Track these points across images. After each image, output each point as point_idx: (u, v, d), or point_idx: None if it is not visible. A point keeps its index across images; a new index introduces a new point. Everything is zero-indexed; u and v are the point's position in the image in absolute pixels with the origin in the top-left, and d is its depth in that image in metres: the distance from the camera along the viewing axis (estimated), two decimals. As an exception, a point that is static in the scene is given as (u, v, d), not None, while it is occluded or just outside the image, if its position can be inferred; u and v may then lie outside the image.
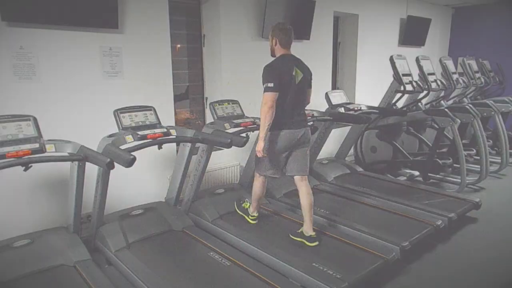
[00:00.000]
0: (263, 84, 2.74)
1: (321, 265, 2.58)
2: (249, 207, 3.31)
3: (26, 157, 2.27)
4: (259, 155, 2.84)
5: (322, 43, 5.12)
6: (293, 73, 2.83)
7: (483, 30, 7.13)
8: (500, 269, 2.91)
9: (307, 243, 2.87)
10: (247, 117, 3.44)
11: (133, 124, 2.82)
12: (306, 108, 3.08)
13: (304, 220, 2.95)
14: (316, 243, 2.86)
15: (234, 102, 3.55)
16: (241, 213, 3.33)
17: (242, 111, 3.50)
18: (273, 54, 2.95)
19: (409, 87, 4.57)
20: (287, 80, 2.80)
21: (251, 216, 3.26)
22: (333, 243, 2.92)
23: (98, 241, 2.94)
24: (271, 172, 3.01)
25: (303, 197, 2.97)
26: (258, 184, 3.13)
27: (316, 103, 3.11)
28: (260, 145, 2.80)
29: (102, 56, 3.20)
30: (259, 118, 3.23)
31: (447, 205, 3.63)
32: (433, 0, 6.70)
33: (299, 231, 2.97)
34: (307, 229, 2.92)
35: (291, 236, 2.97)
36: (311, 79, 3.00)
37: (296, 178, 3.01)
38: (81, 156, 2.44)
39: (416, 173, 4.89)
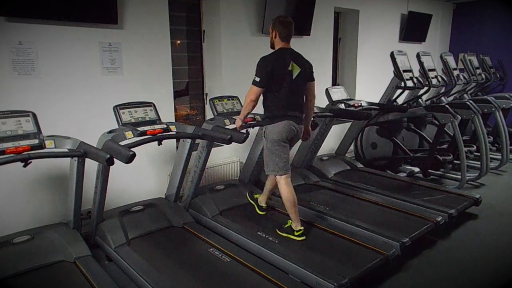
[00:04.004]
0: (254, 75, 2.77)
1: (321, 261, 2.58)
2: (291, 224, 3.03)
3: (26, 153, 2.27)
4: (237, 125, 3.01)
5: (323, 39, 5.10)
6: (289, 68, 2.81)
7: (484, 26, 7.10)
8: (500, 265, 2.92)
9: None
10: (248, 113, 3.43)
11: (133, 120, 2.82)
12: (314, 103, 3.06)
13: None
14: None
15: (234, 98, 3.54)
16: (285, 234, 3.01)
17: (242, 107, 3.49)
18: (272, 47, 2.94)
19: (409, 83, 4.56)
20: (280, 74, 2.78)
21: (297, 231, 2.95)
22: (333, 239, 2.92)
23: (98, 237, 2.94)
24: (286, 166, 2.90)
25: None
26: (284, 186, 2.90)
27: (317, 99, 3.09)
28: (238, 124, 3.01)
29: (102, 52, 3.18)
30: (259, 114, 3.24)
31: (447, 201, 3.63)
32: (434, -4, 6.68)
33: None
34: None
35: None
36: (312, 72, 2.97)
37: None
38: (81, 152, 2.43)
39: (417, 169, 4.89)
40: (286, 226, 2.98)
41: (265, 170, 3.01)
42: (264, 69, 2.73)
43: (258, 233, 3.01)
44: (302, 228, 2.91)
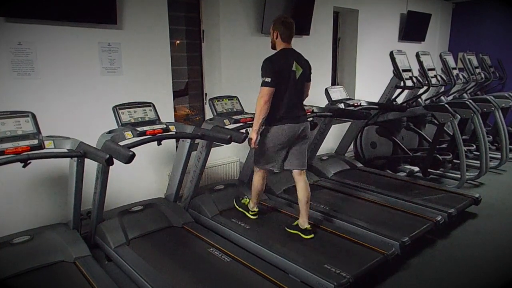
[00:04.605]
0: (262, 78, 2.75)
1: (321, 260, 2.58)
2: (248, 203, 3.31)
3: (25, 153, 2.26)
4: (252, 146, 2.89)
5: (322, 39, 5.10)
6: (293, 68, 2.82)
7: (484, 25, 7.10)
8: (500, 264, 2.92)
9: (303, 235, 2.90)
10: (247, 113, 3.43)
11: (132, 120, 2.82)
12: (304, 102, 3.07)
13: (301, 213, 2.97)
14: (312, 235, 2.89)
15: (234, 98, 3.54)
16: (241, 209, 3.33)
17: (241, 107, 3.49)
18: (273, 47, 2.94)
19: (409, 83, 4.56)
20: (286, 75, 2.79)
21: (251, 211, 3.26)
22: (333, 239, 2.92)
23: (98, 238, 2.93)
24: (271, 165, 2.99)
25: (301, 191, 2.98)
26: (257, 178, 3.13)
27: (316, 98, 3.10)
28: (254, 137, 2.85)
29: (101, 52, 3.18)
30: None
31: (447, 201, 3.63)
32: (433, -5, 6.68)
33: (295, 223, 2.99)
34: (303, 222, 2.94)
35: (287, 229, 2.99)
36: (310, 73, 2.99)
37: (295, 172, 3.02)
38: (80, 153, 2.43)
39: (416, 168, 4.89)
40: (244, 201, 3.26)
41: (254, 160, 3.08)
42: (272, 69, 2.73)
43: (258, 232, 3.01)
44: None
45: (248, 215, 3.26)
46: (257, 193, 3.19)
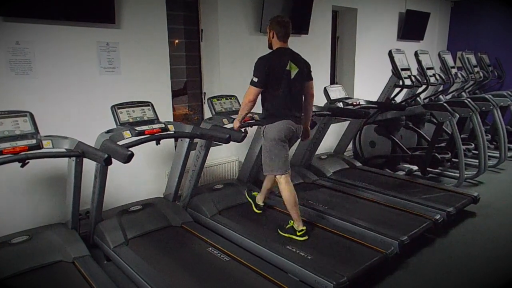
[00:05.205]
0: (252, 76, 2.77)
1: (319, 259, 2.58)
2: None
3: (23, 153, 2.26)
4: (235, 126, 2.99)
5: (321, 38, 5.10)
6: (287, 68, 2.81)
7: (482, 24, 7.11)
8: (499, 262, 2.92)
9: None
10: (246, 112, 3.43)
11: (131, 120, 2.81)
12: (311, 101, 3.06)
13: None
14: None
15: (232, 97, 3.54)
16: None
17: (240, 106, 3.48)
18: (270, 47, 2.94)
19: (407, 82, 4.56)
20: (279, 74, 2.78)
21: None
22: (332, 238, 2.92)
23: (97, 237, 2.93)
24: (286, 165, 2.89)
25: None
26: (284, 184, 2.89)
27: (315, 98, 3.09)
28: (236, 125, 2.99)
29: (99, 52, 3.17)
30: (257, 114, 3.24)
31: (445, 200, 3.63)
32: (432, -6, 6.68)
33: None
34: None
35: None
36: (309, 71, 2.97)
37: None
38: (79, 152, 2.43)
39: (415, 167, 4.90)
40: (288, 226, 2.95)
41: (263, 170, 3.01)
42: (261, 69, 2.73)
43: (257, 232, 3.01)
44: (304, 228, 2.89)
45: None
46: (294, 204, 2.89)
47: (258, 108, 2.97)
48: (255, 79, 2.74)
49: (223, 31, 4.01)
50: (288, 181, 2.91)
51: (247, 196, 3.48)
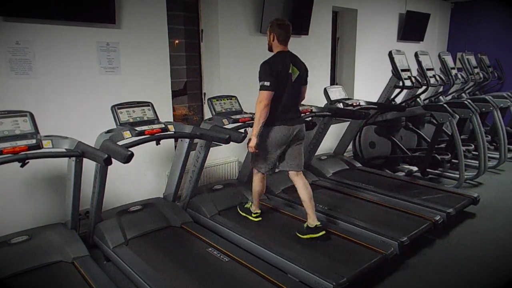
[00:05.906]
0: (260, 81, 2.74)
1: (319, 260, 2.58)
2: (250, 206, 3.30)
3: (23, 153, 2.26)
4: (251, 151, 2.86)
5: (321, 38, 5.10)
6: (290, 71, 2.82)
7: (482, 25, 7.12)
8: (499, 263, 2.92)
9: (316, 235, 2.85)
10: (245, 113, 3.43)
11: (131, 120, 2.81)
12: (302, 103, 3.06)
13: (307, 213, 2.93)
14: (323, 232, 2.85)
15: (232, 97, 3.54)
16: (244, 214, 3.29)
17: (240, 106, 3.49)
18: (270, 49, 2.94)
19: (407, 83, 4.56)
20: (283, 78, 2.79)
21: (254, 214, 3.23)
22: (332, 239, 2.91)
23: (96, 237, 2.93)
24: (268, 168, 2.98)
25: (301, 190, 2.97)
26: (257, 180, 3.12)
27: (315, 98, 3.09)
28: (253, 142, 2.81)
29: (99, 52, 3.17)
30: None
31: (445, 201, 3.63)
32: (432, -5, 6.69)
33: (305, 226, 2.93)
34: (312, 221, 2.90)
35: (299, 235, 2.90)
36: (307, 76, 2.99)
37: (291, 173, 3.02)
38: (79, 152, 2.42)
39: (415, 168, 4.89)
40: (246, 206, 3.30)
41: (251, 162, 3.09)
42: (270, 73, 2.72)
43: (257, 232, 3.01)
44: (259, 211, 3.21)
45: (252, 218, 3.23)
46: (257, 195, 3.19)
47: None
48: (267, 83, 2.70)
49: (223, 31, 4.01)
50: (262, 179, 3.13)
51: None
